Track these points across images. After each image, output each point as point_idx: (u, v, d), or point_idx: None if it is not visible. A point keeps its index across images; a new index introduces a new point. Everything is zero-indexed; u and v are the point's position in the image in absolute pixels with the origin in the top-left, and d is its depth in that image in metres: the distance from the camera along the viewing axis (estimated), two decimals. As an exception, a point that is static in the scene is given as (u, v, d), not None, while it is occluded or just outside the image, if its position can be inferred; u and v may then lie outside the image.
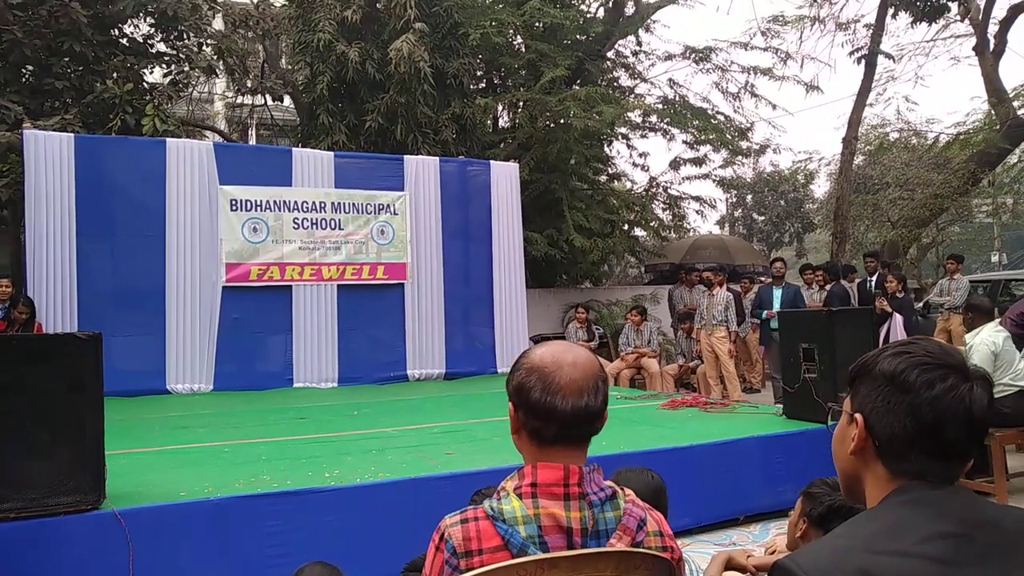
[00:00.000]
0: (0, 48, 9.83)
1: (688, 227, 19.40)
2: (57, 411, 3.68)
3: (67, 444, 3.69)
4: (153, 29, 11.57)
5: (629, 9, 15.36)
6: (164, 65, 11.66)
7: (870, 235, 21.54)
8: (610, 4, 15.34)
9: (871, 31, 15.83)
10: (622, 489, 1.52)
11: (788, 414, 6.21)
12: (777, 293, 10.17)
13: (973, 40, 15.83)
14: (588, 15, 15.21)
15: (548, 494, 1.43)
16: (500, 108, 14.66)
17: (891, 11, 15.81)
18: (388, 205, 10.37)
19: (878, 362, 1.21)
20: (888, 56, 16.56)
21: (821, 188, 27.47)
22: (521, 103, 13.38)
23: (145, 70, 11.39)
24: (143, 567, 3.74)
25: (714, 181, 16.47)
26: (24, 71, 10.46)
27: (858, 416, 1.20)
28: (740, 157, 16.53)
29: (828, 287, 10.60)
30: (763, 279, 16.57)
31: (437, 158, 11.10)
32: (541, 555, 1.38)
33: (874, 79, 16.35)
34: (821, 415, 5.60)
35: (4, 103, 9.53)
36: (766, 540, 5.00)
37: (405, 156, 10.87)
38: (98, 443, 3.77)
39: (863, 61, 15.80)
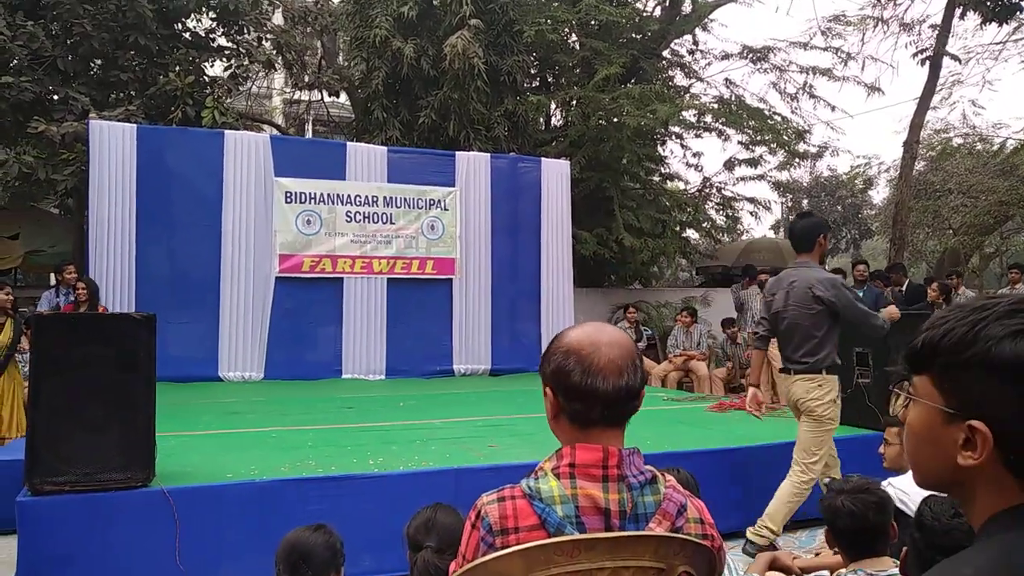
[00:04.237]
0: (71, 41, 10.14)
1: (742, 230, 19.10)
2: (111, 389, 3.78)
3: (120, 422, 3.79)
4: (215, 23, 11.81)
5: (686, 7, 15.18)
6: (224, 59, 11.90)
7: (930, 243, 20.94)
8: (667, 3, 15.19)
9: (936, 32, 15.36)
10: (662, 474, 1.49)
11: (841, 420, 6.04)
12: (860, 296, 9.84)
13: (1046, 42, 15.27)
14: (644, 13, 15.08)
15: (586, 475, 1.40)
16: (553, 106, 14.62)
17: (959, 11, 15.32)
18: (439, 200, 10.42)
19: (988, 345, 0.93)
20: (954, 58, 16.05)
21: (880, 194, 26.82)
22: (574, 101, 13.32)
23: (206, 63, 11.64)
24: (189, 543, 3.82)
25: (769, 183, 16.18)
26: (92, 64, 10.77)
27: (979, 425, 0.92)
28: (797, 160, 16.19)
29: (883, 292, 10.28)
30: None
31: (488, 154, 11.12)
32: (579, 536, 1.35)
33: (938, 82, 15.87)
34: (874, 421, 5.45)
35: (72, 94, 9.82)
36: (813, 546, 4.90)
37: (457, 152, 10.92)
38: (149, 422, 3.86)
39: (927, 63, 15.33)
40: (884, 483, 3.05)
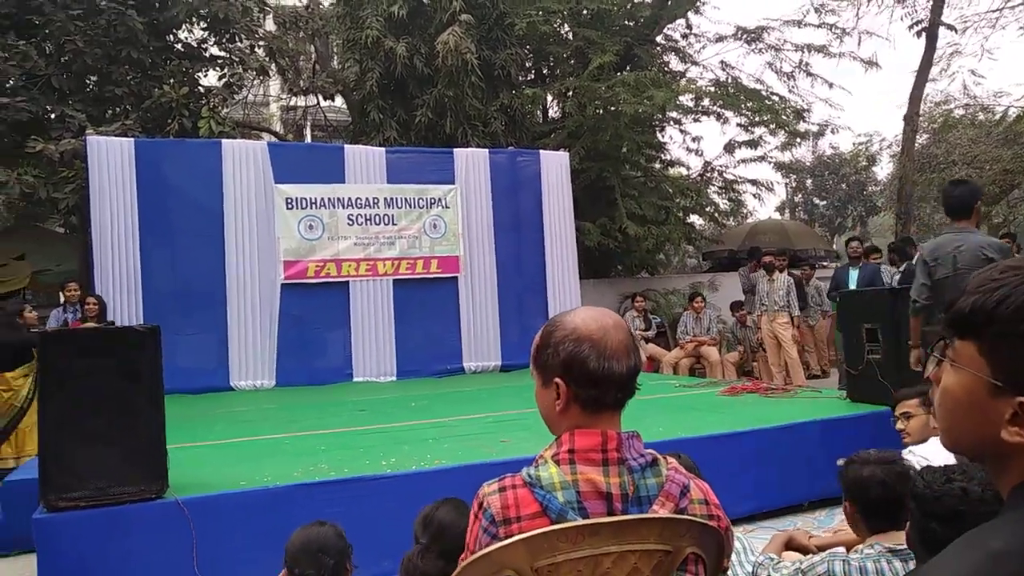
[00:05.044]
0: (64, 59, 10.17)
1: (746, 212, 19.03)
2: (119, 403, 3.78)
3: (130, 435, 3.79)
4: (206, 33, 11.83)
5: (678, -8, 15.09)
6: (218, 68, 11.92)
7: (937, 216, 20.80)
8: (659, -12, 15.10)
9: (932, 2, 15.24)
10: (664, 457, 1.48)
11: (852, 397, 6.03)
12: (854, 274, 9.70)
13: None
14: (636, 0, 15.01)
15: (586, 460, 1.39)
16: (549, 98, 14.57)
17: (953, -20, 15.20)
18: (439, 199, 10.41)
19: None
20: (951, 28, 15.88)
21: (884, 170, 26.65)
22: (570, 91, 13.28)
23: (200, 74, 11.68)
24: (206, 553, 3.83)
25: (770, 163, 16.08)
26: (87, 80, 10.81)
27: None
28: (798, 139, 16.09)
29: (901, 267, 10.18)
30: (824, 264, 16.15)
31: (486, 150, 11.09)
32: (583, 521, 1.34)
33: (936, 53, 15.74)
34: (886, 397, 5.42)
35: (69, 112, 9.85)
36: (832, 525, 4.87)
37: (455, 149, 10.90)
38: (159, 433, 3.87)
39: (924, 34, 15.21)
40: (905, 451, 3.03)
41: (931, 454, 2.77)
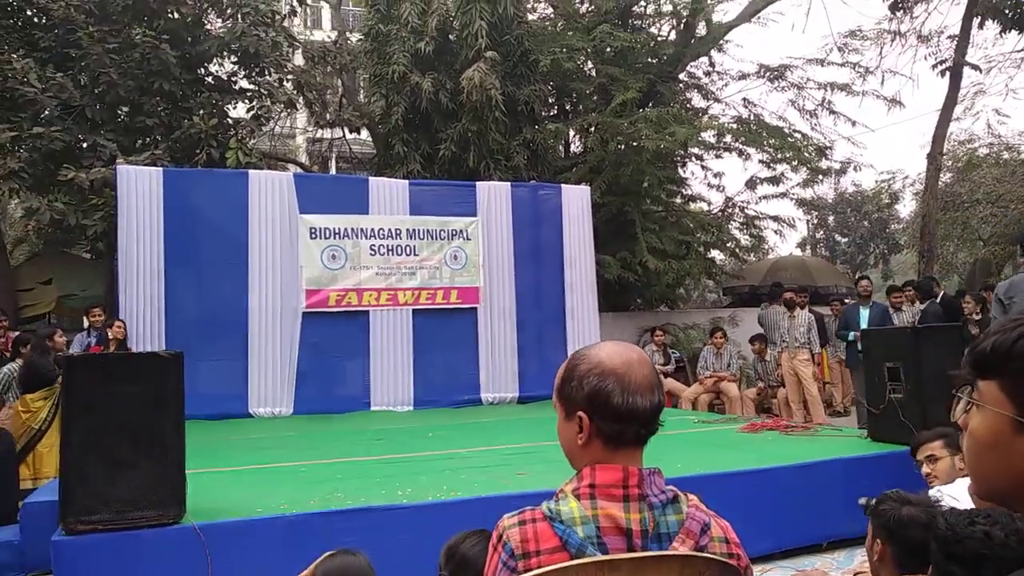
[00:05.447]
0: (98, 90, 10.42)
1: (767, 248, 18.97)
2: (141, 427, 3.82)
3: (150, 459, 3.82)
4: (236, 67, 12.07)
5: (701, 30, 15.24)
6: (247, 100, 12.14)
7: (960, 254, 20.64)
8: (681, 26, 15.26)
9: (956, 42, 15.27)
10: (685, 493, 1.48)
11: (873, 436, 5.96)
12: (864, 313, 9.70)
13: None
14: (659, 37, 15.17)
15: (607, 495, 1.39)
16: (571, 133, 14.70)
17: (977, 21, 15.23)
18: (461, 231, 10.49)
19: None
20: (975, 68, 15.91)
21: (907, 208, 26.52)
22: (592, 127, 13.39)
23: (229, 106, 11.89)
24: (221, 580, 3.83)
25: (792, 199, 16.07)
26: (119, 111, 11.05)
27: None
28: (820, 176, 16.08)
29: (922, 306, 10.10)
30: (847, 300, 16.03)
31: (508, 183, 11.19)
32: (602, 556, 1.34)
33: (960, 92, 15.74)
34: (908, 437, 5.35)
35: (101, 141, 10.07)
36: (852, 567, 4.79)
37: (477, 182, 11.00)
38: (179, 459, 3.90)
39: (948, 74, 15.23)
40: (934, 490, 2.98)
41: (960, 494, 2.73)
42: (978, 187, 18.81)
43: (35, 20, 11.72)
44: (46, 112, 10.16)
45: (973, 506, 2.05)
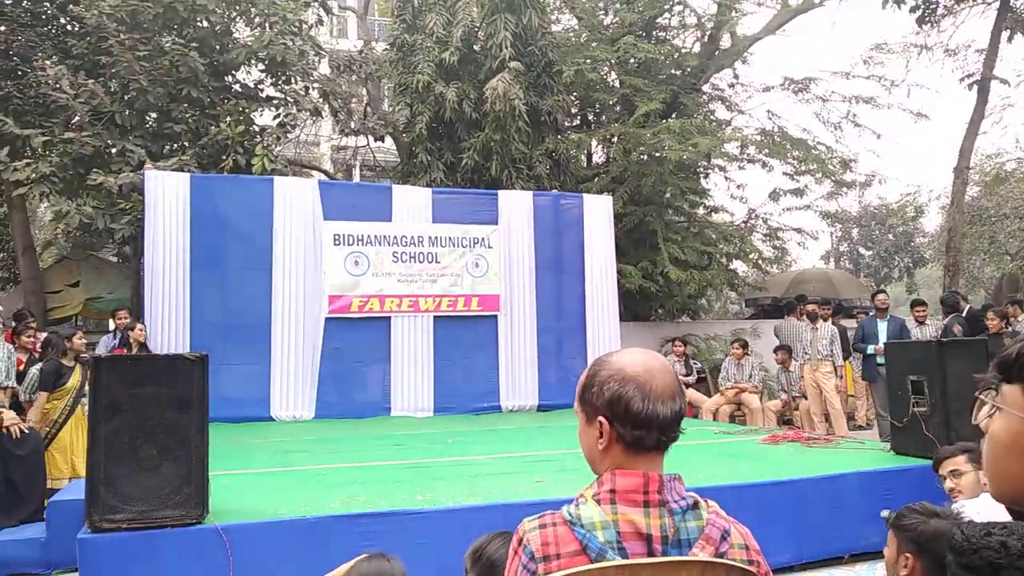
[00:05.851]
0: (128, 96, 10.59)
1: (790, 260, 18.84)
2: (166, 428, 3.88)
3: (174, 460, 3.88)
4: (263, 75, 12.22)
5: (725, 42, 15.24)
6: (273, 108, 12.28)
7: (987, 269, 20.40)
8: (705, 38, 15.26)
9: (983, 56, 15.14)
10: (705, 500, 1.49)
11: (896, 450, 5.91)
12: (882, 326, 9.66)
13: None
14: (683, 49, 15.17)
15: (627, 500, 1.40)
16: (594, 143, 14.72)
17: (1006, 35, 15.09)
18: (483, 238, 10.53)
19: None
20: (1003, 82, 15.76)
21: (932, 221, 26.26)
22: (615, 137, 13.40)
23: (255, 113, 12.03)
24: (242, 581, 3.87)
25: (816, 212, 15.98)
26: (148, 117, 11.22)
27: None
28: (844, 189, 15.98)
29: (945, 320, 10.00)
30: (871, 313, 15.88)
31: (530, 192, 11.24)
32: (621, 561, 1.35)
33: (988, 106, 15.59)
34: (932, 451, 5.30)
35: (129, 147, 10.22)
36: (873, 581, 4.75)
37: (499, 191, 11.05)
38: (203, 460, 3.95)
39: (975, 87, 15.10)
40: (957, 504, 2.95)
41: (983, 508, 2.70)
42: (1006, 201, 18.60)
43: (68, 28, 11.96)
44: (77, 118, 10.34)
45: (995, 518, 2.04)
